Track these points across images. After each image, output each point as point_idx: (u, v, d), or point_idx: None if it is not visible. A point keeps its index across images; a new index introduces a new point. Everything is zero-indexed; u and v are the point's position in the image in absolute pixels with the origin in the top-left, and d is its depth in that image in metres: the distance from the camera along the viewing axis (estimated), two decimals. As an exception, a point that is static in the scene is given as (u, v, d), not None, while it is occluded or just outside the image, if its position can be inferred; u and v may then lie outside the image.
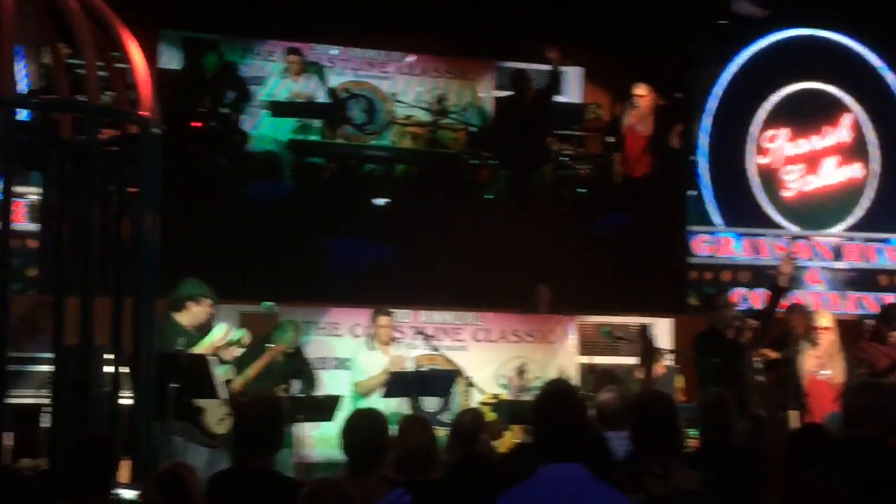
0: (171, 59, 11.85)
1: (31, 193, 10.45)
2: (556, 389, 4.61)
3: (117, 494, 5.26)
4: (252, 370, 9.05)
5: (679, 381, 10.71)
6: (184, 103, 10.46)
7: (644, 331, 10.18)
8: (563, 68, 12.51)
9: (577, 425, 4.44)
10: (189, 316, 8.75)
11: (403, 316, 10.48)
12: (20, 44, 9.40)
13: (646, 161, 12.48)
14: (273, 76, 12.00)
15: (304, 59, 11.99)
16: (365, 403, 9.22)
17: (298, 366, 9.61)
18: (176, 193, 8.95)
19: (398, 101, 12.09)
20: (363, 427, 5.34)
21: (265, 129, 11.65)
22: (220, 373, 8.61)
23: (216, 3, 11.84)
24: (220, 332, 8.74)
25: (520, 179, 12.04)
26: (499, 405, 9.65)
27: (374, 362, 9.73)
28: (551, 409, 4.42)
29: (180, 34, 11.98)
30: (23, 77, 10.16)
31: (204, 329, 8.77)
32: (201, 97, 10.80)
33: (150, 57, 9.26)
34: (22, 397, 8.13)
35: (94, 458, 4.93)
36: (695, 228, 13.00)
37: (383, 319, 9.86)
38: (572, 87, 13.02)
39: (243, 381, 8.96)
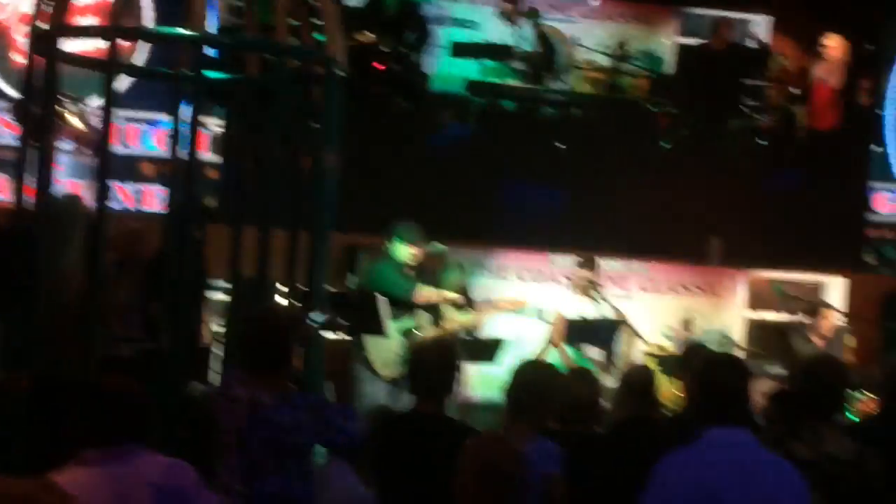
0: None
1: (214, 125, 10.75)
2: (723, 354, 4.61)
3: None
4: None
5: (850, 342, 10.50)
6: (366, 44, 10.55)
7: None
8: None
9: (744, 389, 4.42)
10: (401, 255, 9.02)
11: (570, 262, 10.48)
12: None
13: (832, 114, 12.16)
14: (480, 19, 11.99)
15: (515, 4, 11.84)
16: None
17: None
18: (356, 133, 9.12)
19: (579, 45, 11.98)
20: (526, 377, 5.36)
21: (447, 70, 11.67)
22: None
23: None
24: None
25: (702, 130, 11.85)
26: (664, 358, 9.60)
27: (569, 308, 9.81)
28: (719, 373, 4.40)
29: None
30: (212, 15, 10.39)
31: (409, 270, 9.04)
32: (383, 37, 10.87)
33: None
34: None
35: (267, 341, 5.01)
36: (877, 184, 12.62)
37: (582, 270, 9.92)
38: (758, 36, 12.69)
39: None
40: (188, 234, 6.65)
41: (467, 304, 9.60)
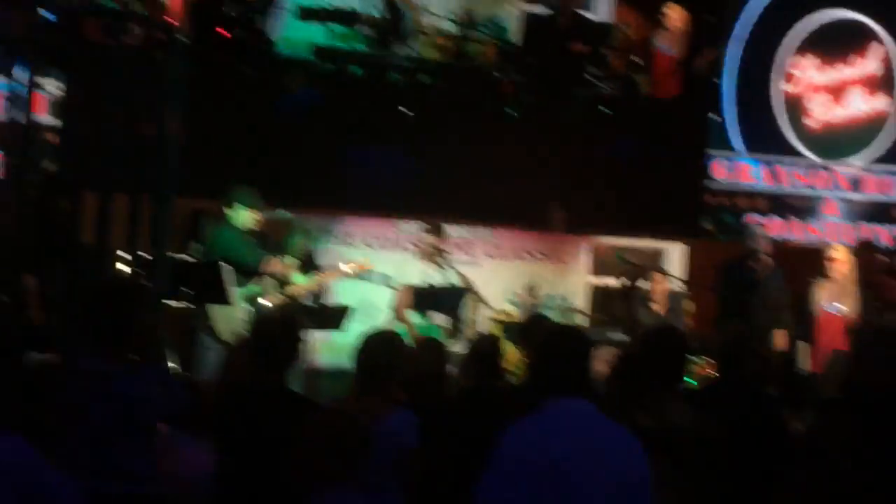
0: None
1: (54, 88, 10.45)
2: (564, 325, 4.67)
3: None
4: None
5: (689, 306, 10.75)
6: (210, 9, 10.35)
7: None
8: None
9: (586, 360, 4.49)
10: (242, 221, 8.91)
11: (417, 228, 10.48)
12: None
13: (672, 83, 12.41)
14: None
15: None
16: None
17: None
18: (202, 97, 8.99)
19: (427, 12, 11.95)
20: (376, 347, 5.36)
21: (293, 35, 11.52)
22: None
23: None
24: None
25: (547, 98, 11.96)
26: (509, 325, 9.70)
27: (417, 274, 9.87)
28: (561, 344, 4.46)
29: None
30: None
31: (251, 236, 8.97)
32: (228, 2, 10.69)
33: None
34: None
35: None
36: (714, 153, 12.93)
37: (429, 237, 9.96)
38: (601, 5, 12.84)
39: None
40: (27, 201, 6.47)
41: (312, 268, 9.57)
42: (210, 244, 9.10)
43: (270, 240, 9.28)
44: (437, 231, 10.01)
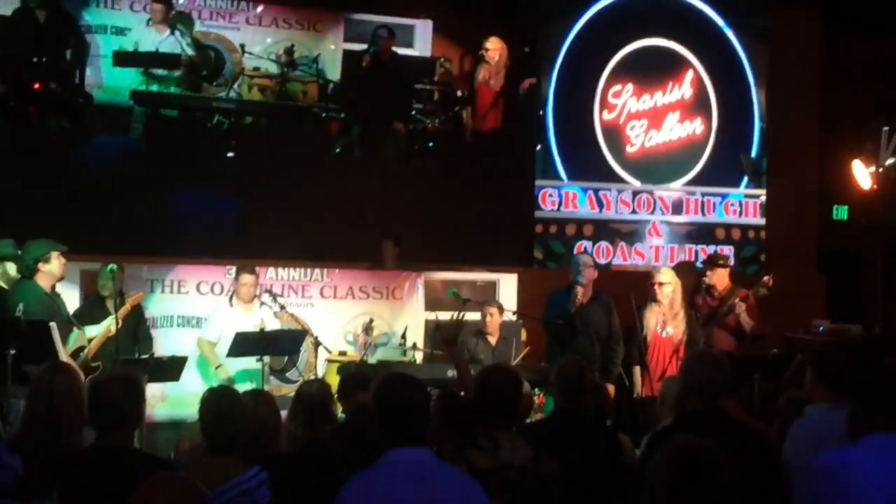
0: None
1: None
2: (399, 374, 4.66)
3: None
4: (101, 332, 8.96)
5: (523, 335, 10.82)
6: (21, 59, 10.11)
7: None
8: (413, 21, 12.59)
9: (422, 407, 4.50)
10: (45, 277, 8.59)
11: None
12: None
13: (495, 115, 12.59)
14: (137, 26, 11.54)
15: (169, 9, 11.52)
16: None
17: (135, 323, 9.50)
18: (18, 151, 8.76)
19: (247, 53, 11.87)
20: (221, 408, 5.25)
21: (111, 81, 11.30)
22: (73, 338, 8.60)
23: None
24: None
25: (372, 134, 12.00)
26: (346, 366, 9.63)
27: (231, 320, 9.70)
28: (396, 393, 4.46)
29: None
30: None
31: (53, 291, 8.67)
32: (39, 51, 10.44)
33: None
34: None
35: None
36: (541, 182, 13.11)
37: (245, 277, 9.81)
38: (421, 41, 12.93)
39: (96, 343, 8.85)
40: None
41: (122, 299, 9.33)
42: (9, 301, 8.52)
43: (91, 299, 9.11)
44: (247, 270, 9.87)
